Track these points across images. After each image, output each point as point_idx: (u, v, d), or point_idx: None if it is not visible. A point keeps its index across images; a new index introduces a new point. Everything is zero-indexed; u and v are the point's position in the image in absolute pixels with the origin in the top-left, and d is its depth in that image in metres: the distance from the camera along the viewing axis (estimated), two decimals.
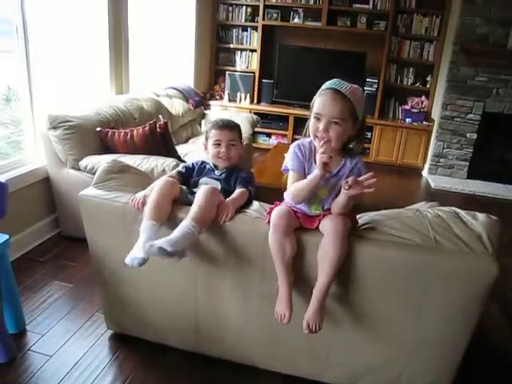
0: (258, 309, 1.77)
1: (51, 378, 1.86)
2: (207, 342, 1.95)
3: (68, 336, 2.11)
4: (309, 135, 1.64)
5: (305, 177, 1.63)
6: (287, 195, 1.69)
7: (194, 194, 1.78)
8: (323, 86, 1.60)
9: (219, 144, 1.92)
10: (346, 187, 1.48)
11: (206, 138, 1.98)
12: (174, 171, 2.01)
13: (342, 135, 1.57)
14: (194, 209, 1.65)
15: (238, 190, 1.83)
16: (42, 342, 2.06)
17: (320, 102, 1.57)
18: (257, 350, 1.89)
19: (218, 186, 1.87)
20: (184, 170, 1.98)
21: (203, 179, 1.91)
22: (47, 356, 1.98)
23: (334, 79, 1.59)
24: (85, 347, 2.04)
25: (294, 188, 1.64)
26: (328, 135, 1.55)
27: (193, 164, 2.01)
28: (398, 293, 1.58)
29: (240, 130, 2.01)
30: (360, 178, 1.48)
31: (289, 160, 1.68)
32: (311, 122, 1.60)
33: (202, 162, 2.00)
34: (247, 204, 1.81)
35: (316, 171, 1.55)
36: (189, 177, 1.96)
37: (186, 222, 1.60)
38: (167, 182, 1.79)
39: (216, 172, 1.94)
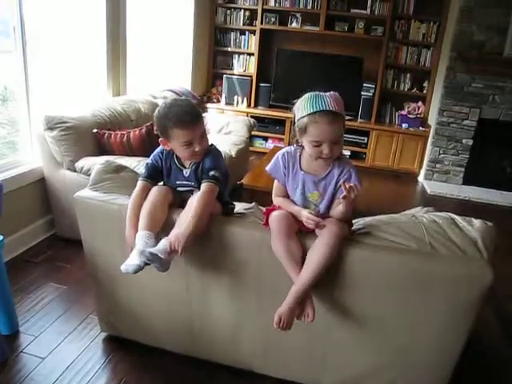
0: (254, 312, 1.77)
1: (44, 381, 1.85)
2: (202, 346, 1.94)
3: (61, 338, 2.09)
4: (295, 144, 1.66)
5: (285, 186, 1.70)
6: (275, 203, 1.75)
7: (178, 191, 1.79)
8: (309, 107, 1.51)
9: (191, 143, 1.66)
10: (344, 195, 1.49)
11: (167, 135, 1.68)
12: (141, 181, 1.76)
13: (342, 147, 1.61)
14: (179, 229, 1.61)
15: (201, 191, 1.65)
16: (35, 343, 2.05)
17: (317, 129, 1.51)
18: (253, 353, 1.88)
19: (193, 188, 1.77)
20: (152, 173, 1.78)
21: (181, 190, 1.79)
22: (40, 358, 1.96)
23: (313, 94, 1.53)
24: (78, 349, 2.03)
25: (280, 203, 1.71)
26: (331, 155, 1.56)
27: (158, 162, 1.78)
28: (393, 298, 1.58)
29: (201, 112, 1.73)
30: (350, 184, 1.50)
31: (271, 166, 1.72)
32: (309, 147, 1.57)
33: (166, 158, 1.78)
34: (225, 186, 1.76)
35: (302, 214, 1.60)
36: (159, 174, 1.80)
37: (167, 242, 1.58)
38: (159, 193, 1.71)
39: (184, 172, 1.76)
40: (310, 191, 1.66)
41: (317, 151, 1.56)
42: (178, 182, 1.79)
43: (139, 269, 1.58)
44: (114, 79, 3.67)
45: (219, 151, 1.81)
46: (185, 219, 1.62)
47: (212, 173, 1.68)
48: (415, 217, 1.65)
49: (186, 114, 1.64)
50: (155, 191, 1.73)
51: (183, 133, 1.64)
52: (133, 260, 1.59)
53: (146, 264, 1.57)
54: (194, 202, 1.64)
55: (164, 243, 1.59)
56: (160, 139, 1.74)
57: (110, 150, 2.92)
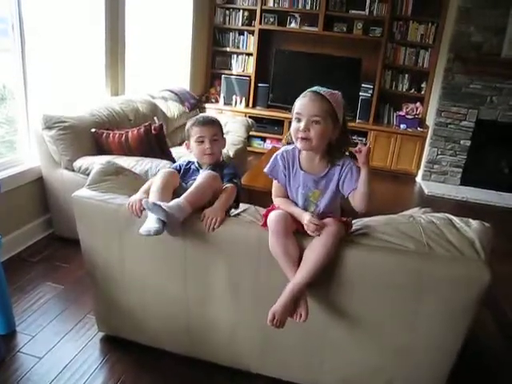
0: (251, 312, 1.77)
1: (41, 380, 1.84)
2: (200, 346, 1.94)
3: (58, 338, 2.09)
4: (292, 140, 1.67)
5: (285, 186, 1.72)
6: (275, 203, 1.75)
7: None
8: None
9: (202, 141, 1.91)
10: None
11: (188, 137, 1.97)
12: (169, 168, 2.00)
13: (323, 134, 1.59)
14: (189, 190, 1.72)
15: (226, 187, 1.83)
16: (32, 343, 2.05)
17: (300, 103, 1.61)
18: (250, 353, 1.88)
19: None
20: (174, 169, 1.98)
21: (190, 183, 1.88)
22: (37, 358, 1.96)
23: (316, 86, 1.63)
24: (75, 349, 2.03)
25: (280, 203, 1.72)
26: (308, 134, 1.58)
27: (180, 166, 1.99)
28: (390, 299, 1.58)
29: (221, 125, 2.01)
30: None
31: (270, 167, 1.74)
32: (292, 124, 1.63)
33: (188, 163, 1.99)
34: (236, 196, 1.86)
35: (304, 217, 1.59)
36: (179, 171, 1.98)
37: (179, 199, 1.66)
38: (169, 171, 1.85)
39: (201, 171, 1.93)
40: (311, 190, 1.67)
41: (296, 127, 1.60)
42: (193, 178, 1.90)
43: (159, 231, 1.58)
44: (113, 79, 3.67)
45: (238, 170, 2.00)
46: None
47: (235, 180, 1.90)
48: (413, 217, 1.66)
49: (203, 118, 1.98)
50: (165, 171, 1.86)
51: (196, 129, 1.92)
52: (152, 223, 1.60)
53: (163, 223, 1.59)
54: (224, 190, 1.82)
55: (176, 201, 1.64)
56: (185, 142, 2.02)
57: (108, 149, 2.91)
